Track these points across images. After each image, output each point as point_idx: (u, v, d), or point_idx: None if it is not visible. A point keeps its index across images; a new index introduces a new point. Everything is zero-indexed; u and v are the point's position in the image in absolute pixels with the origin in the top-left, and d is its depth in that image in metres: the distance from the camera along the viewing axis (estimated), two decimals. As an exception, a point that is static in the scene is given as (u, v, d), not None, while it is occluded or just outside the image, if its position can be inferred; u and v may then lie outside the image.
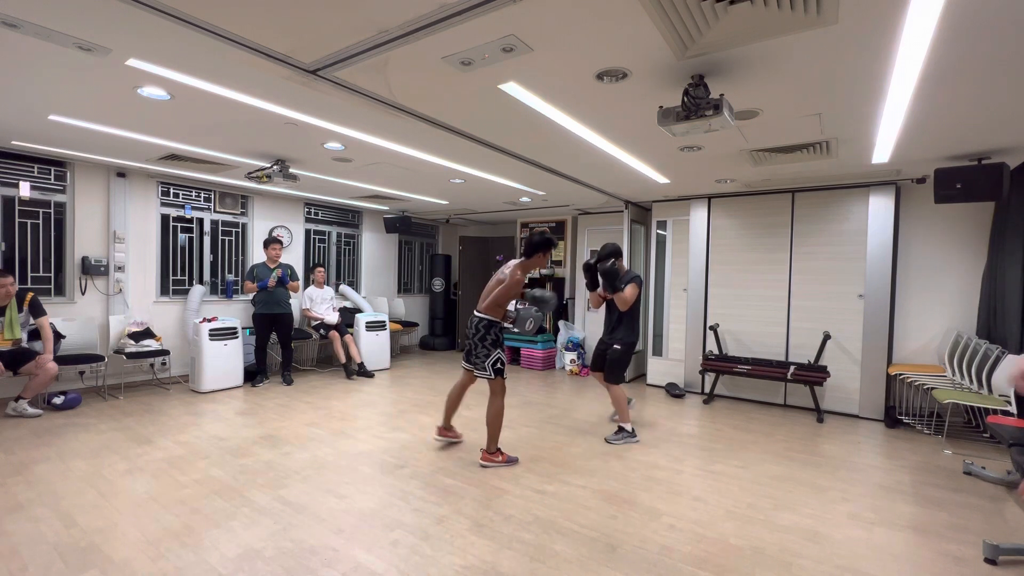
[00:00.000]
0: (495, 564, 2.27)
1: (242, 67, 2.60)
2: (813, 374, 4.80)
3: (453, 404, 3.78)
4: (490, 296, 3.47)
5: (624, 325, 4.05)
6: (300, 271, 6.88)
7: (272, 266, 5.83)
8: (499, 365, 3.47)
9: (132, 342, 5.04)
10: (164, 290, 5.80)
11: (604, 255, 4.02)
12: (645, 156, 4.17)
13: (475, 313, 3.53)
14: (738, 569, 2.28)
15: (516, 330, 3.62)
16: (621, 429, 4.02)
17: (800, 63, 2.42)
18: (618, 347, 4.05)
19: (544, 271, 7.53)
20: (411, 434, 4.06)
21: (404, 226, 7.76)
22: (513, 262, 3.57)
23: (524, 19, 2.08)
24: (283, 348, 5.95)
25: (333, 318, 6.39)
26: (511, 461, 3.49)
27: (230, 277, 6.35)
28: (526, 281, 3.58)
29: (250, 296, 5.99)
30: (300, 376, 6.27)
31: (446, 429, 3.82)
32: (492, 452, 3.46)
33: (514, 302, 3.78)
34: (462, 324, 8.70)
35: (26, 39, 2.37)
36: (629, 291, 3.92)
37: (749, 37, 2.18)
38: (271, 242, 5.87)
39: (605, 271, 3.95)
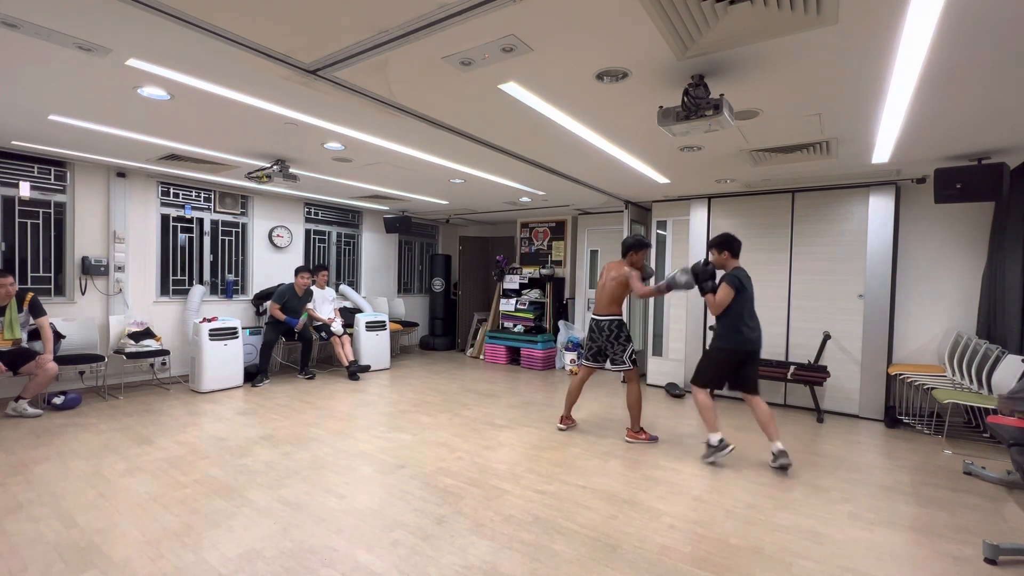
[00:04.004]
0: (495, 564, 2.27)
1: (242, 67, 2.60)
2: (813, 374, 4.80)
3: (573, 397, 4.27)
4: (607, 297, 4.00)
5: (718, 326, 3.62)
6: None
7: (301, 293, 6.05)
8: (634, 356, 4.02)
9: (132, 342, 5.04)
10: (164, 290, 5.80)
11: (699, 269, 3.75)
12: (645, 156, 4.17)
13: (596, 317, 4.05)
14: (738, 569, 2.28)
15: (675, 288, 3.90)
16: (708, 444, 3.58)
17: (800, 63, 2.42)
18: (708, 348, 3.81)
19: (544, 271, 7.54)
20: (411, 434, 4.06)
21: (404, 226, 7.76)
22: (615, 264, 4.09)
23: (524, 19, 2.08)
24: (305, 345, 6.23)
25: (338, 327, 6.41)
26: (653, 439, 4.00)
27: (230, 277, 6.36)
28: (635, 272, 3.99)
29: (259, 307, 6.41)
30: (298, 376, 6.27)
31: (567, 418, 4.30)
32: (636, 431, 4.00)
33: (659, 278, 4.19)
34: (462, 324, 8.71)
35: (26, 39, 2.37)
36: (719, 294, 3.53)
37: (749, 37, 2.18)
38: (308, 271, 6.10)
39: (695, 271, 3.71)
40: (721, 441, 3.54)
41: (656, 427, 4.41)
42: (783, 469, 3.38)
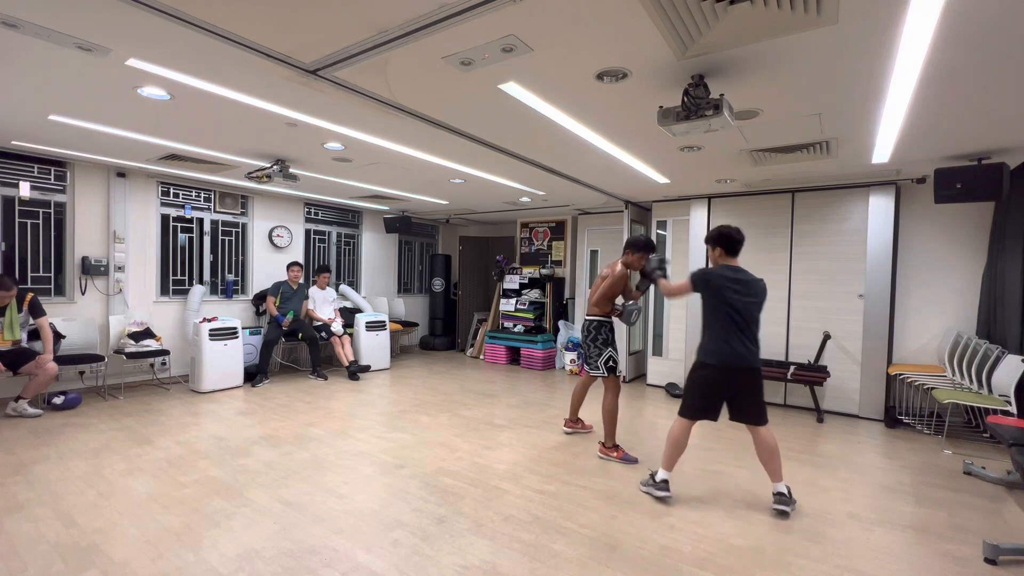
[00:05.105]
0: (495, 564, 2.27)
1: (242, 67, 2.60)
2: (813, 374, 4.80)
3: (578, 400, 4.08)
4: (591, 296, 3.74)
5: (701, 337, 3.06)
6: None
7: (295, 287, 6.21)
8: (611, 363, 3.67)
9: (132, 342, 5.04)
10: (164, 290, 5.80)
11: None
12: (645, 156, 4.17)
13: (585, 317, 3.81)
14: (738, 569, 2.28)
15: (626, 323, 3.75)
16: (651, 474, 3.09)
17: (800, 63, 2.42)
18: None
19: (544, 271, 7.54)
20: (411, 434, 4.06)
21: (404, 226, 7.76)
22: (612, 263, 3.79)
23: (524, 19, 2.08)
24: (311, 345, 6.18)
25: (338, 327, 6.43)
26: (628, 459, 3.54)
27: (230, 277, 6.36)
28: (628, 273, 3.73)
29: (259, 307, 6.49)
30: (299, 376, 6.27)
31: (572, 422, 4.18)
32: (609, 446, 3.63)
33: (620, 300, 3.86)
34: (462, 324, 8.71)
35: (26, 39, 2.37)
36: (676, 282, 3.10)
37: (749, 37, 2.18)
38: (299, 265, 6.29)
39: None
40: (663, 483, 2.97)
41: (656, 427, 4.41)
42: (781, 515, 2.79)
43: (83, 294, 5.14)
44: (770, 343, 5.44)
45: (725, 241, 2.96)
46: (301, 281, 6.33)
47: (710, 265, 3.08)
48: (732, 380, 2.87)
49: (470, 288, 8.73)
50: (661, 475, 3.00)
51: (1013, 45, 2.18)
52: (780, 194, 5.40)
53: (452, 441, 3.91)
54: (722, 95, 2.49)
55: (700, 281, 2.93)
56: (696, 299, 5.77)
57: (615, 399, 3.65)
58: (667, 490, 2.97)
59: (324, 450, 3.65)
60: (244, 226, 6.51)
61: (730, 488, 3.15)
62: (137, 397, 5.03)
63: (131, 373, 5.42)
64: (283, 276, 6.31)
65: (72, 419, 4.26)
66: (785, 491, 2.84)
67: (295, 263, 6.25)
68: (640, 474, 3.32)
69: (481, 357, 7.97)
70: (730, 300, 2.85)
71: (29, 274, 4.90)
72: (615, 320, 3.82)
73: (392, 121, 3.41)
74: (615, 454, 3.59)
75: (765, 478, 3.31)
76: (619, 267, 3.69)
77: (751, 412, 2.89)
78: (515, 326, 7.59)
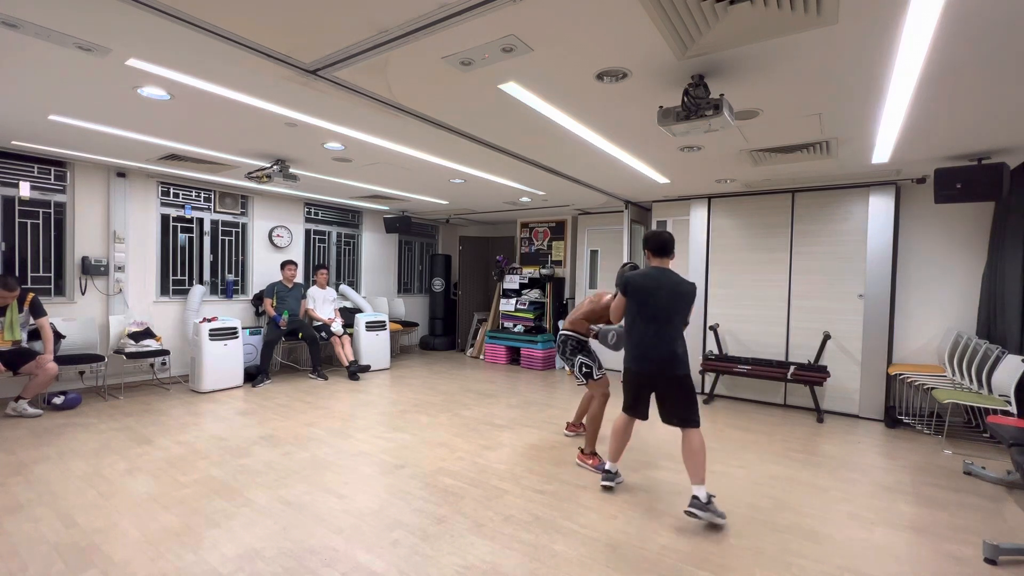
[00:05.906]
0: (495, 564, 2.27)
1: (242, 67, 2.60)
2: (813, 374, 4.80)
3: (586, 406, 4.04)
4: (577, 313, 3.80)
5: None
6: (300, 271, 6.93)
7: (289, 286, 6.22)
8: (585, 369, 3.64)
9: (132, 342, 5.04)
10: (164, 290, 5.80)
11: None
12: (645, 156, 4.17)
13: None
14: (738, 569, 2.28)
15: (604, 346, 3.72)
16: (603, 468, 3.22)
17: (800, 63, 2.42)
18: None
19: (544, 271, 7.53)
20: (411, 434, 4.06)
21: (404, 226, 7.76)
22: (603, 294, 3.77)
23: (524, 19, 2.08)
24: (311, 345, 6.17)
25: (338, 327, 6.43)
26: (602, 468, 3.21)
27: (230, 277, 6.36)
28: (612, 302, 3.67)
29: (258, 307, 6.47)
30: (299, 376, 6.27)
31: (575, 425, 4.16)
32: (587, 453, 3.52)
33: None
34: (462, 324, 8.71)
35: (26, 39, 2.37)
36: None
37: (749, 37, 2.18)
38: (293, 263, 6.32)
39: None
40: (610, 474, 3.10)
41: (653, 427, 4.39)
42: (692, 516, 2.66)
43: (83, 294, 5.14)
44: (770, 343, 5.44)
45: (651, 243, 3.00)
46: (299, 280, 6.34)
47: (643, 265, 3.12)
48: (652, 384, 2.94)
49: (470, 288, 8.72)
50: (608, 466, 3.14)
51: (1013, 45, 2.18)
52: (780, 194, 5.40)
53: (452, 441, 3.91)
54: (722, 95, 2.50)
55: (621, 287, 3.01)
56: (699, 304, 5.80)
57: (601, 407, 3.55)
58: (613, 479, 3.10)
59: (324, 450, 3.65)
60: (244, 226, 6.50)
61: (730, 488, 3.15)
62: (137, 397, 5.03)
63: (131, 373, 5.42)
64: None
65: (72, 419, 4.26)
66: (702, 496, 2.67)
67: (289, 261, 6.27)
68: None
69: (481, 357, 7.97)
70: (649, 303, 2.90)
71: (29, 274, 4.90)
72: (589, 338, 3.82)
73: (392, 121, 3.41)
74: (590, 461, 3.43)
75: (764, 478, 3.32)
76: (607, 298, 3.63)
77: (675, 415, 2.87)
78: (515, 326, 7.59)
